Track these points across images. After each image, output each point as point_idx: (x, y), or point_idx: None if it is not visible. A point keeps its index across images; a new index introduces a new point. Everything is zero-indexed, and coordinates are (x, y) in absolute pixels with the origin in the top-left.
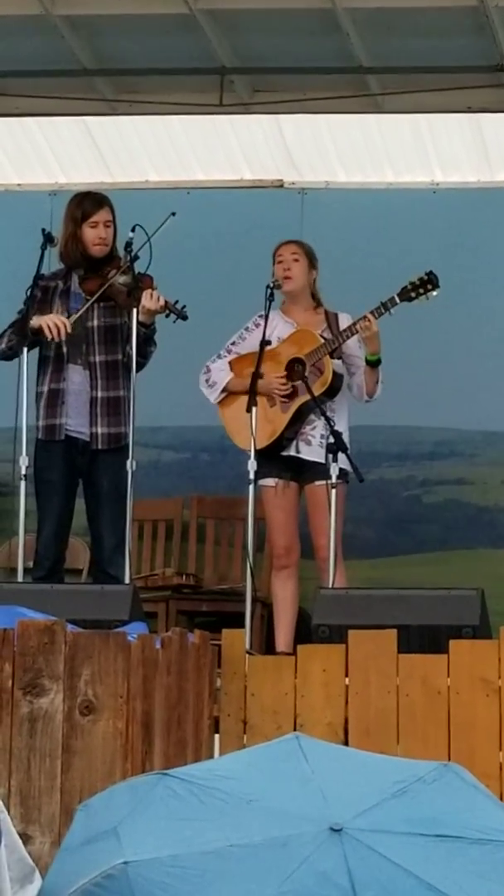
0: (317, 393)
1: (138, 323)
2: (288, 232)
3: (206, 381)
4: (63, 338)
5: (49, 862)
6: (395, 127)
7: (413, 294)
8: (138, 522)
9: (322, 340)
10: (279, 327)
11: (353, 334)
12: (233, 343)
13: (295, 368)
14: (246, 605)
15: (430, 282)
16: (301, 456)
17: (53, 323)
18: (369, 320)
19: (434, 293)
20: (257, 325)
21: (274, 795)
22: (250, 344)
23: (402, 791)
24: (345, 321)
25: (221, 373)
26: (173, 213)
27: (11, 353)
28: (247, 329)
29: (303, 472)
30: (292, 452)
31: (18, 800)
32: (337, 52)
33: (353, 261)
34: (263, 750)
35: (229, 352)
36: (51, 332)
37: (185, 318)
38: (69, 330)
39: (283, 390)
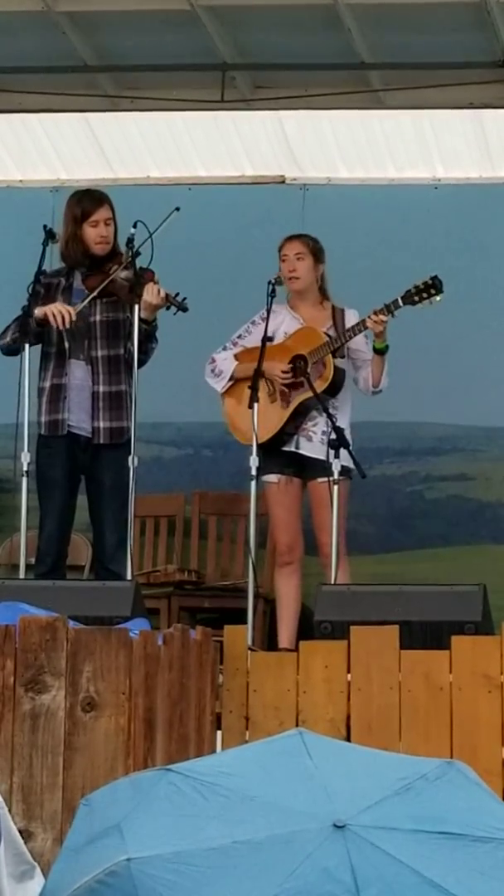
0: (318, 390)
1: (141, 319)
2: (290, 228)
3: (212, 370)
4: (68, 326)
5: (51, 859)
6: (396, 123)
7: (417, 298)
8: (140, 519)
9: (326, 339)
10: (286, 322)
11: (357, 333)
12: (239, 336)
13: (297, 365)
14: (248, 601)
15: (434, 286)
16: (301, 452)
17: (58, 310)
18: (379, 318)
19: (438, 298)
20: (263, 319)
21: (277, 792)
22: (256, 338)
23: (406, 788)
24: (351, 317)
25: (226, 362)
26: (177, 209)
27: (15, 348)
28: (253, 322)
29: (305, 469)
30: (292, 448)
31: (20, 796)
32: (338, 48)
33: (354, 257)
34: (267, 745)
35: (235, 344)
36: (55, 319)
37: (185, 309)
38: (74, 318)
39: (284, 378)
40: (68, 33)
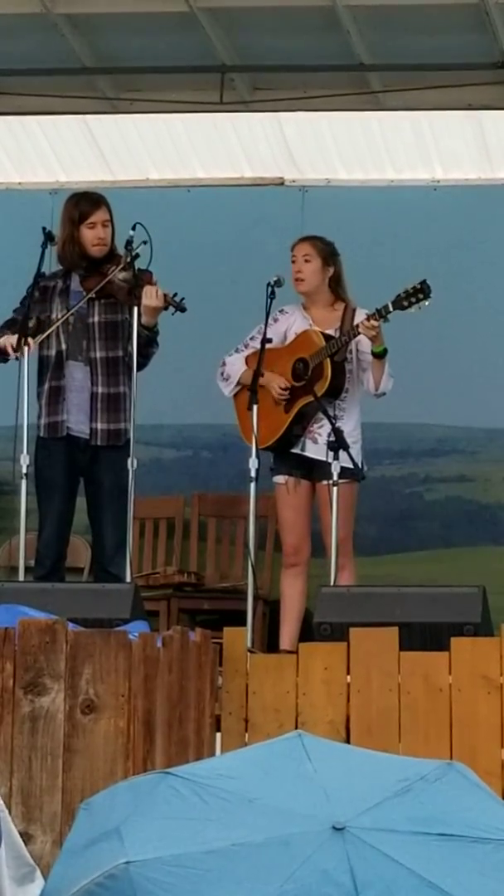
0: (319, 393)
1: (143, 326)
2: (289, 230)
3: (222, 374)
4: (26, 356)
5: (50, 861)
6: (395, 124)
7: (405, 303)
8: (139, 521)
9: (324, 341)
10: (297, 323)
11: (352, 338)
12: (251, 338)
13: (297, 367)
14: (247, 603)
15: (422, 291)
16: (307, 454)
17: (10, 344)
18: (371, 323)
19: (426, 302)
20: (276, 320)
21: (276, 794)
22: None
23: (405, 790)
24: (359, 318)
25: (235, 366)
26: (145, 241)
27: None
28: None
29: (313, 471)
30: (299, 450)
31: (20, 799)
32: (337, 49)
33: (354, 258)
34: (266, 748)
35: (247, 346)
36: (12, 351)
37: (183, 309)
38: (33, 348)
39: (282, 395)
40: (67, 35)
